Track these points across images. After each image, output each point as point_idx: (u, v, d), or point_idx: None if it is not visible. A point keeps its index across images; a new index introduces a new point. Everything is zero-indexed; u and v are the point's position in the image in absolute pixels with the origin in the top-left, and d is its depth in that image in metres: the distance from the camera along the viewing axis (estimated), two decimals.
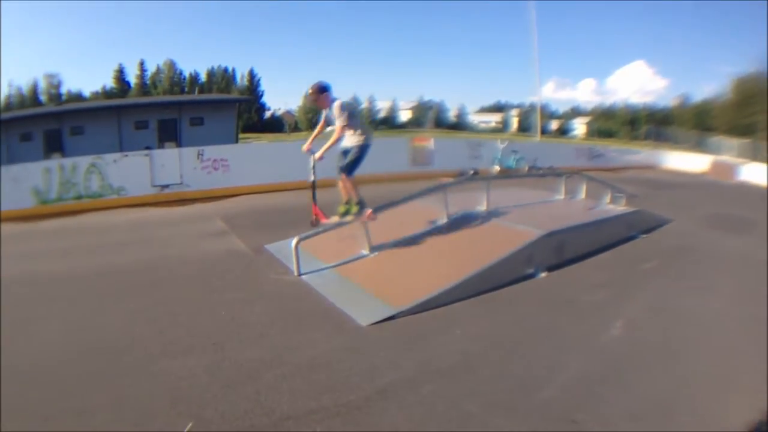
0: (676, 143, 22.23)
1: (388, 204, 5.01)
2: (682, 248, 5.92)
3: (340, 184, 4.82)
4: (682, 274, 4.96)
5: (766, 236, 6.76)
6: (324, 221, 4.85)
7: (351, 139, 4.69)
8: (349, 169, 4.71)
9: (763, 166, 15.06)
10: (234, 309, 3.79)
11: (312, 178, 4.86)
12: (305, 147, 4.81)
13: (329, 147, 4.57)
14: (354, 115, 4.69)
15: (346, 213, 4.81)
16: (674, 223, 7.16)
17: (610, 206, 6.55)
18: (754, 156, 17.40)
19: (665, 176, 15.15)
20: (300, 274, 4.40)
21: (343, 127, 4.53)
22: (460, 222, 5.13)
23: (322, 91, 4.65)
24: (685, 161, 17.83)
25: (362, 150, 4.70)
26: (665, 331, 3.58)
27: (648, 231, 6.31)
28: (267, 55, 75.02)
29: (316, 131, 4.87)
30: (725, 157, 17.78)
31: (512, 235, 4.54)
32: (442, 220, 5.14)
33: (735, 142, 19.40)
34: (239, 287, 4.28)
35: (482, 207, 5.45)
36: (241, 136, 24.85)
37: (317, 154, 4.63)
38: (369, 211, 4.75)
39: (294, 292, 4.13)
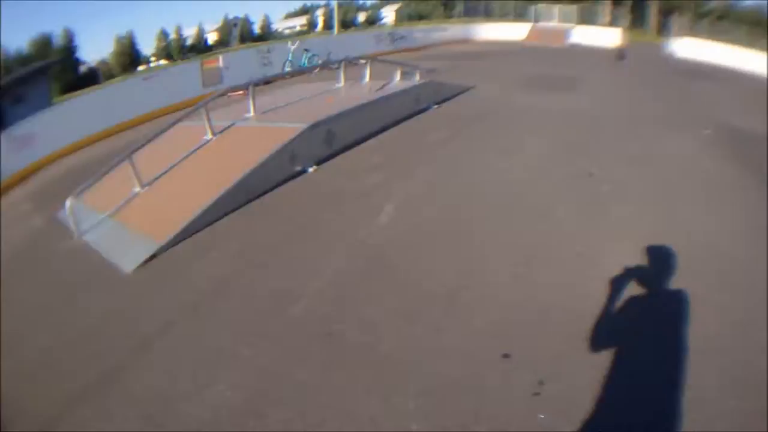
0: (491, 15, 22.47)
1: (155, 134, 4.47)
2: (483, 114, 5.87)
3: None
4: (473, 139, 4.91)
5: (589, 91, 7.11)
6: None
7: None
8: None
9: (593, 28, 16.69)
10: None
11: None
12: None
13: None
14: None
15: None
16: (480, 91, 7.04)
17: (399, 83, 6.37)
18: (590, 20, 18.42)
19: (479, 47, 14.88)
20: (81, 235, 3.93)
21: None
22: (225, 135, 4.79)
23: None
24: (502, 31, 17.59)
25: None
26: (442, 209, 3.48)
27: (442, 101, 6.34)
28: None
29: None
30: (552, 24, 18.47)
31: (276, 135, 4.30)
32: (208, 137, 4.70)
33: (556, 8, 19.95)
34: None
35: (249, 114, 5.06)
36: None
37: None
38: None
39: (69, 259, 3.71)
